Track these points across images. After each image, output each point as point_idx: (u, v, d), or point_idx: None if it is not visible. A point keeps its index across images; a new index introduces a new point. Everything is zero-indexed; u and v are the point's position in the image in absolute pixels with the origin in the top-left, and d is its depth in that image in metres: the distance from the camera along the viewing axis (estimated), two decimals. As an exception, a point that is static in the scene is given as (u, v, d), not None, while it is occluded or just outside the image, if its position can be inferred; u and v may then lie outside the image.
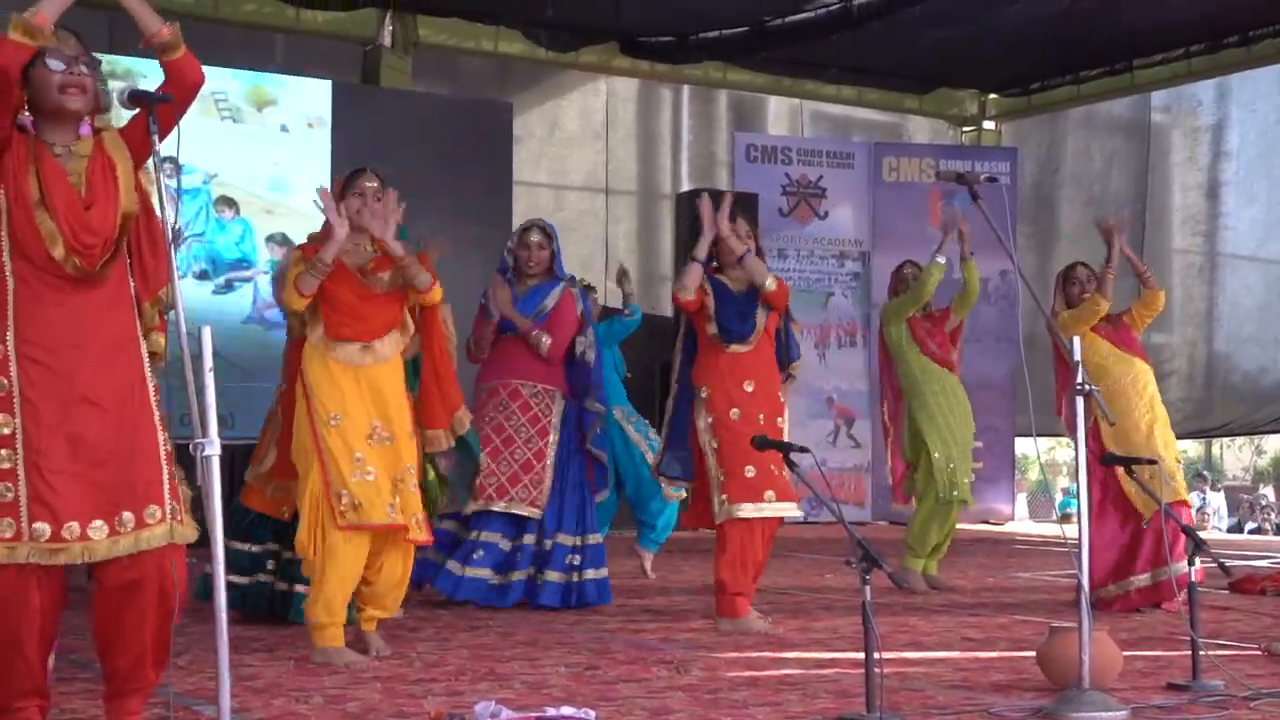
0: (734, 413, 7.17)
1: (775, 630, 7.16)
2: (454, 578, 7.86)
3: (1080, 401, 5.29)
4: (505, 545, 7.94)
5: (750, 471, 7.13)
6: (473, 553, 7.89)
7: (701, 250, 7.30)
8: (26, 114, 4.32)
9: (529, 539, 7.94)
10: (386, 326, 6.31)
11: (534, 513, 7.93)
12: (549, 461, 8.03)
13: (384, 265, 6.34)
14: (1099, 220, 8.58)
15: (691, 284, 7.22)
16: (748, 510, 7.09)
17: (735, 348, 7.28)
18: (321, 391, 6.15)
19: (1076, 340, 5.46)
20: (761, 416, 7.22)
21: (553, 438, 8.06)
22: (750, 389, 7.27)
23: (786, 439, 7.13)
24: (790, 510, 7.27)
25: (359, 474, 6.06)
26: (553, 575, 7.92)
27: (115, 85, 4.44)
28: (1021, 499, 20.09)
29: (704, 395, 7.27)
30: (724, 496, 7.14)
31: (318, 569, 6.10)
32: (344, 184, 6.43)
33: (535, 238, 8.09)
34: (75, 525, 4.15)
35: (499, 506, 7.90)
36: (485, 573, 7.88)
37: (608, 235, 15.54)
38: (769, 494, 7.12)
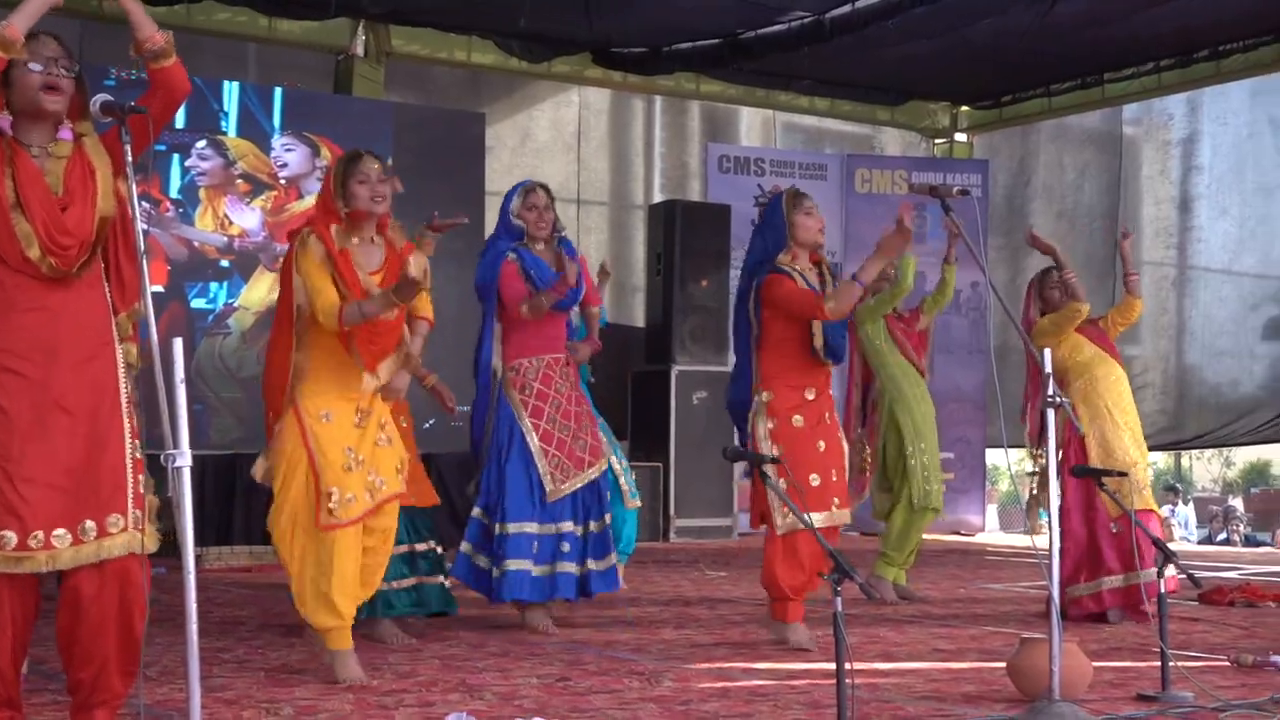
0: (796, 419, 6.95)
1: (814, 646, 6.95)
2: (538, 580, 7.42)
3: (1051, 413, 5.31)
4: (578, 530, 7.57)
5: (815, 480, 6.93)
6: (560, 545, 7.46)
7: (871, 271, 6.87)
8: (5, 115, 4.32)
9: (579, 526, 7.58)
10: (385, 353, 6.08)
11: (601, 466, 7.65)
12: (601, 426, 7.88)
13: (391, 279, 6.01)
14: (1027, 235, 8.56)
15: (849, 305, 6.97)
16: (818, 520, 6.72)
17: (831, 365, 7.14)
18: (311, 390, 5.94)
19: (1048, 352, 5.47)
20: (827, 415, 7.11)
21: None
22: (812, 396, 7.09)
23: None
24: (847, 517, 7.08)
25: (353, 465, 5.90)
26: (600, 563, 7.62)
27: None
28: (992, 510, 20.11)
29: (765, 399, 7.03)
30: (785, 509, 6.87)
31: (306, 571, 5.91)
32: (345, 168, 6.09)
33: (542, 198, 7.58)
34: (40, 534, 4.14)
35: (591, 474, 7.55)
36: (572, 566, 7.50)
37: (579, 246, 15.49)
38: (835, 500, 6.97)
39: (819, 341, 7.01)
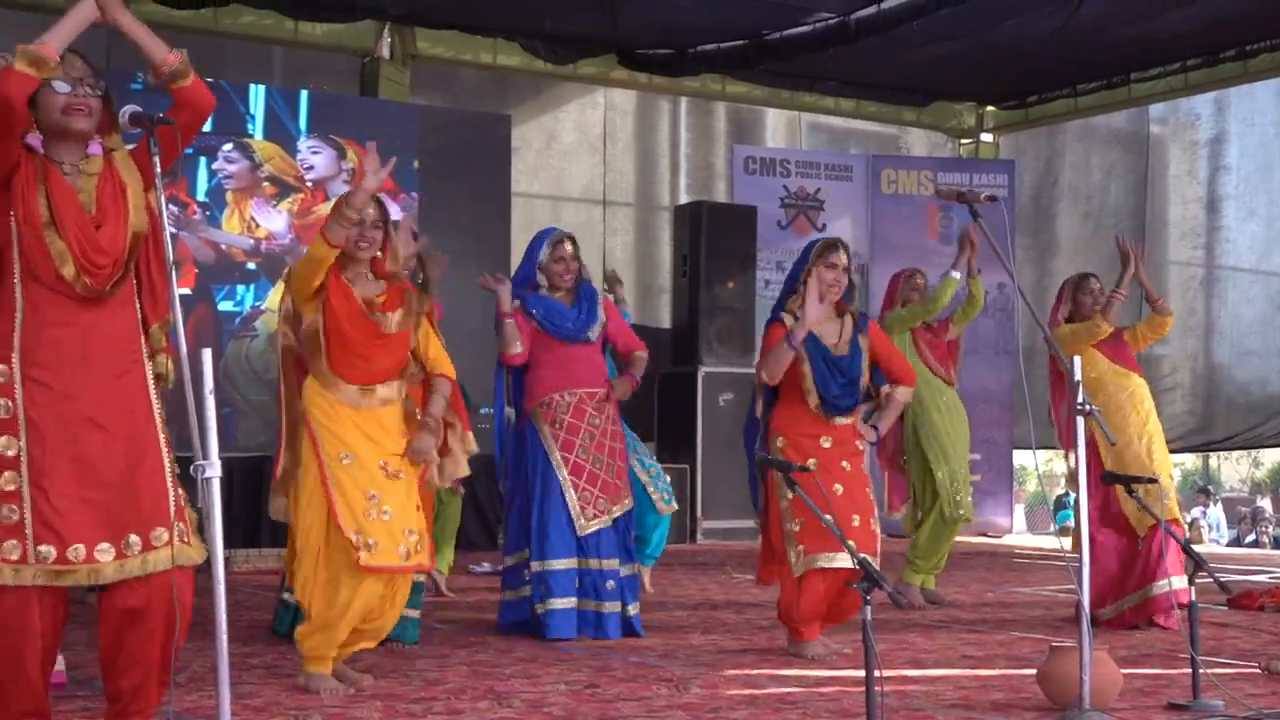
0: (811, 463, 6.75)
1: (843, 651, 6.93)
2: (584, 616, 7.43)
3: (1080, 421, 5.28)
4: (623, 570, 7.58)
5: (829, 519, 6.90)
6: (605, 583, 7.45)
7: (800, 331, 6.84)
8: (36, 133, 4.32)
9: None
10: (388, 373, 5.99)
11: (626, 505, 7.60)
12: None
13: (394, 303, 6.01)
14: (1120, 240, 8.29)
15: (778, 370, 6.89)
16: (824, 561, 6.70)
17: (839, 420, 6.97)
18: (329, 431, 5.84)
19: (1077, 360, 5.44)
20: (846, 463, 6.96)
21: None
22: (828, 445, 6.96)
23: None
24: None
25: (374, 512, 5.77)
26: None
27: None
28: (1020, 511, 20.06)
29: (779, 445, 6.93)
30: (800, 547, 6.78)
31: (320, 611, 5.83)
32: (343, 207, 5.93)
33: (569, 249, 7.57)
34: (81, 548, 4.16)
35: (616, 512, 7.50)
36: (617, 606, 7.49)
37: (605, 247, 15.51)
38: (852, 544, 6.90)
39: (813, 400, 6.92)
